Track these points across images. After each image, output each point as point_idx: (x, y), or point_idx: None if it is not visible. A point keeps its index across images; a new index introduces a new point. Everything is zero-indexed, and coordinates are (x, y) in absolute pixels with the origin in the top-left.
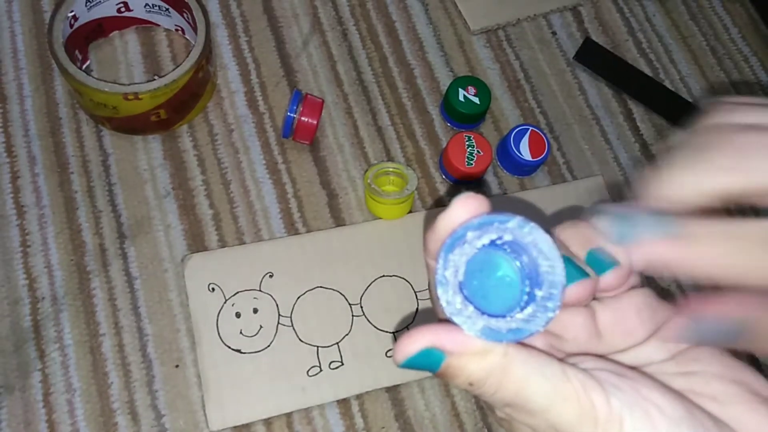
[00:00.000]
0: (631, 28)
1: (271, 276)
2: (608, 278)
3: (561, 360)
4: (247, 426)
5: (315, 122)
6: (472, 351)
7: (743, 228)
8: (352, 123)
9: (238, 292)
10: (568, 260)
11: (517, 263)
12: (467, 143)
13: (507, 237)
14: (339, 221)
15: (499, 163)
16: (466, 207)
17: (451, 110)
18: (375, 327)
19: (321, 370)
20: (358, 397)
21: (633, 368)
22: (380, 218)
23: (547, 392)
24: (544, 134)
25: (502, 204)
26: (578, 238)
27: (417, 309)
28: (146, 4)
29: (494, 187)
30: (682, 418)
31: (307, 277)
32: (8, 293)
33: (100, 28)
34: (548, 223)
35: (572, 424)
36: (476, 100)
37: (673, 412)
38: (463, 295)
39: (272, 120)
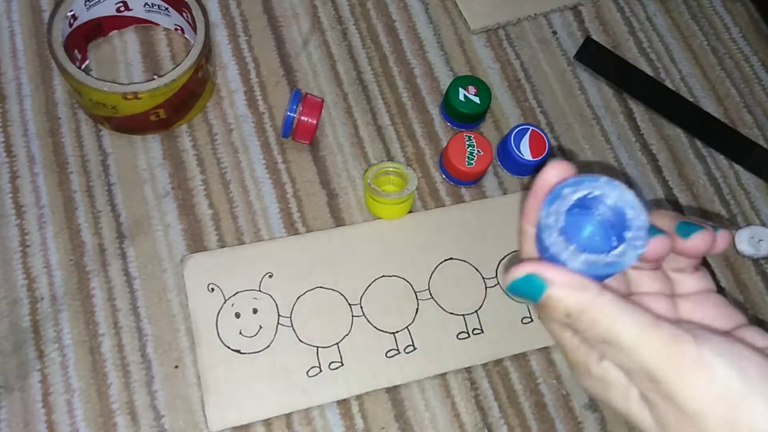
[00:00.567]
0: (631, 27)
1: (270, 276)
2: (696, 239)
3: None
4: (246, 426)
5: (315, 122)
6: (571, 283)
7: None
8: (352, 123)
9: (237, 293)
10: (650, 223)
11: (602, 215)
12: (467, 143)
13: (596, 192)
14: (339, 221)
15: (499, 162)
16: (558, 169)
17: (452, 110)
18: (375, 327)
19: (321, 371)
20: (358, 397)
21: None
22: (380, 218)
23: (636, 331)
24: (545, 134)
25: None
26: (666, 218)
27: (417, 309)
28: (145, 4)
29: (494, 187)
30: (766, 377)
31: (307, 277)
32: (7, 293)
33: (99, 28)
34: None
35: (659, 365)
36: (476, 99)
37: (762, 367)
38: (565, 237)
39: (272, 120)
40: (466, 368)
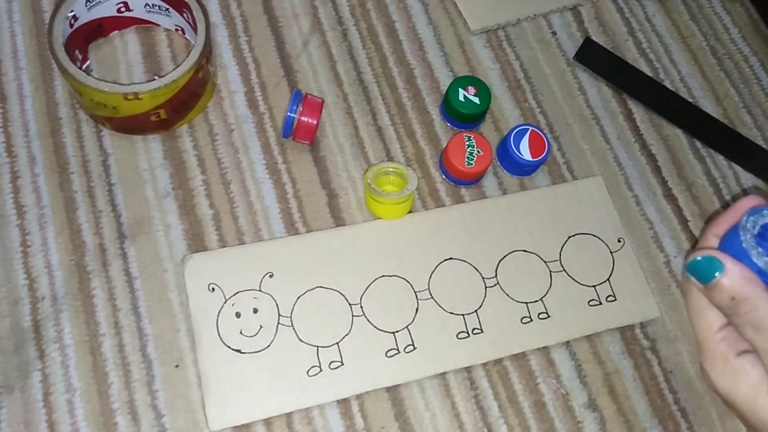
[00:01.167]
0: (631, 28)
1: (271, 276)
2: None
3: None
4: (247, 426)
5: (315, 122)
6: (744, 274)
7: None
8: (352, 123)
9: (238, 292)
10: None
11: None
12: (467, 143)
13: None
14: (339, 221)
15: (499, 163)
16: (758, 199)
17: (451, 110)
18: (375, 327)
19: (321, 370)
20: (358, 397)
21: None
22: (380, 218)
23: None
24: (544, 134)
25: None
26: None
27: (417, 309)
28: (146, 4)
29: (494, 187)
30: None
31: (307, 277)
32: (8, 293)
33: (100, 28)
34: (549, 222)
35: None
36: (476, 100)
37: None
38: (755, 241)
39: (272, 120)
40: (465, 368)
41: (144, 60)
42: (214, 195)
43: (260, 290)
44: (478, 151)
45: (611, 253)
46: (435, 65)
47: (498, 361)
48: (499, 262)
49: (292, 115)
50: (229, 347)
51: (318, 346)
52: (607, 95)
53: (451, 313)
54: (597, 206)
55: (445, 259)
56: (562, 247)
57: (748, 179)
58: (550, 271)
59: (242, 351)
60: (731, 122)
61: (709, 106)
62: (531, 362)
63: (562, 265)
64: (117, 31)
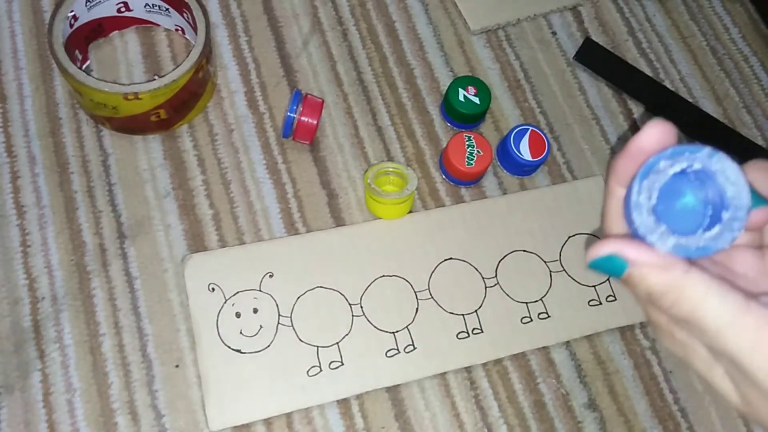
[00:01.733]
0: (631, 28)
1: (271, 276)
2: None
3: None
4: (247, 426)
5: (315, 122)
6: (654, 263)
7: None
8: (352, 123)
9: (238, 292)
10: (751, 190)
11: (703, 191)
12: (467, 143)
13: (696, 165)
14: (339, 221)
15: (499, 163)
16: (658, 132)
17: (451, 110)
18: (375, 327)
19: (321, 370)
20: (358, 397)
21: None
22: (380, 218)
23: (723, 316)
24: (544, 134)
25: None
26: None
27: (417, 309)
28: (146, 4)
29: (494, 187)
30: None
31: (307, 277)
32: (8, 293)
33: (100, 28)
34: (549, 222)
35: (743, 352)
36: (476, 100)
37: None
38: (655, 216)
39: (272, 120)
40: (465, 368)
41: (144, 60)
42: (214, 195)
43: (260, 290)
44: (478, 151)
45: None
46: (435, 65)
47: (498, 361)
48: (499, 262)
49: (292, 115)
50: (229, 347)
51: (318, 346)
52: (607, 95)
53: (451, 313)
54: (597, 206)
55: (445, 259)
56: (562, 247)
57: None
58: (550, 271)
59: (242, 351)
60: (731, 122)
61: (709, 106)
62: (531, 362)
63: (562, 265)
64: (117, 31)
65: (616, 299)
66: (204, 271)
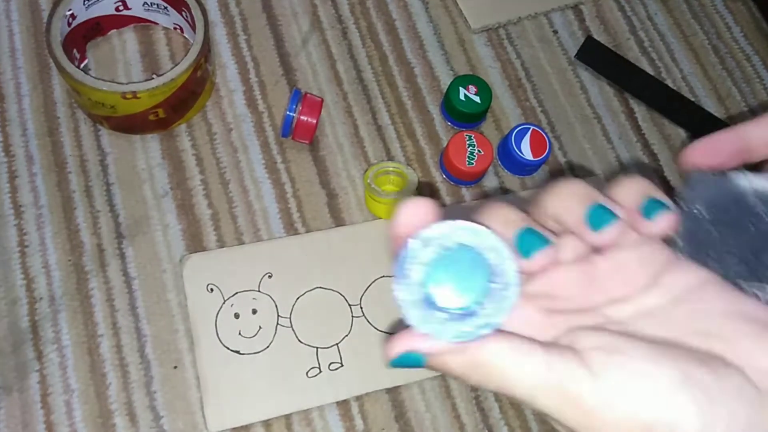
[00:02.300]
0: (632, 26)
1: (270, 276)
2: (606, 234)
3: (552, 343)
4: (246, 427)
5: (314, 121)
6: (446, 350)
7: None
8: (352, 122)
9: (236, 293)
10: (531, 231)
11: (468, 259)
12: (468, 142)
13: (451, 242)
14: (339, 221)
15: (500, 162)
16: (411, 215)
17: (452, 109)
18: (375, 328)
19: (320, 372)
20: (358, 398)
21: (630, 336)
22: (380, 218)
23: (529, 384)
24: (546, 133)
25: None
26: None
27: None
28: (144, 3)
29: (495, 187)
30: (679, 384)
31: (307, 277)
32: (6, 293)
33: (98, 27)
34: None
35: (558, 411)
36: (477, 99)
37: (670, 381)
38: (427, 302)
39: (271, 119)
40: None
41: (142, 59)
42: (213, 195)
43: (259, 291)
44: (478, 151)
45: None
46: (435, 64)
47: None
48: None
49: (291, 114)
50: (228, 348)
51: (317, 347)
52: (608, 94)
53: None
54: None
55: None
56: None
57: None
58: None
59: (241, 352)
60: (733, 121)
61: (711, 105)
62: None
63: None
64: (115, 30)
65: None
66: (202, 272)
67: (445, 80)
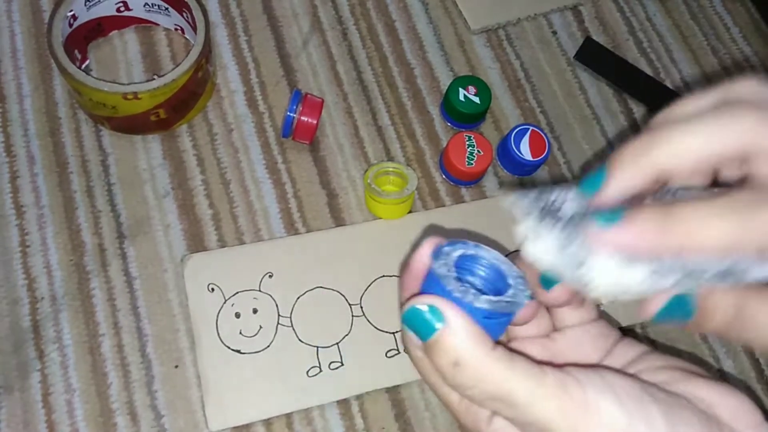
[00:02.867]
0: (631, 27)
1: (270, 276)
2: (556, 293)
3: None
4: (246, 426)
5: (315, 122)
6: (470, 330)
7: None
8: (352, 123)
9: (237, 293)
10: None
11: (481, 273)
12: (467, 143)
13: (470, 251)
14: (339, 221)
15: (499, 162)
16: (430, 244)
17: (452, 110)
18: (375, 327)
19: (321, 371)
20: (358, 397)
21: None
22: (380, 218)
23: (529, 388)
24: (545, 134)
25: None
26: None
27: None
28: (146, 4)
29: (494, 187)
30: (640, 394)
31: (307, 277)
32: (7, 293)
33: (99, 28)
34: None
35: (553, 417)
36: (476, 99)
37: (632, 390)
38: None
39: (272, 120)
40: None
41: (143, 59)
42: (214, 195)
43: (260, 290)
44: (478, 151)
45: None
46: (435, 64)
47: None
48: None
49: (291, 114)
50: (229, 347)
51: (318, 347)
52: (607, 95)
53: None
54: None
55: None
56: None
57: None
58: None
59: (242, 351)
60: None
61: None
62: None
63: None
64: (116, 31)
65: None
66: (203, 271)
67: (445, 81)
